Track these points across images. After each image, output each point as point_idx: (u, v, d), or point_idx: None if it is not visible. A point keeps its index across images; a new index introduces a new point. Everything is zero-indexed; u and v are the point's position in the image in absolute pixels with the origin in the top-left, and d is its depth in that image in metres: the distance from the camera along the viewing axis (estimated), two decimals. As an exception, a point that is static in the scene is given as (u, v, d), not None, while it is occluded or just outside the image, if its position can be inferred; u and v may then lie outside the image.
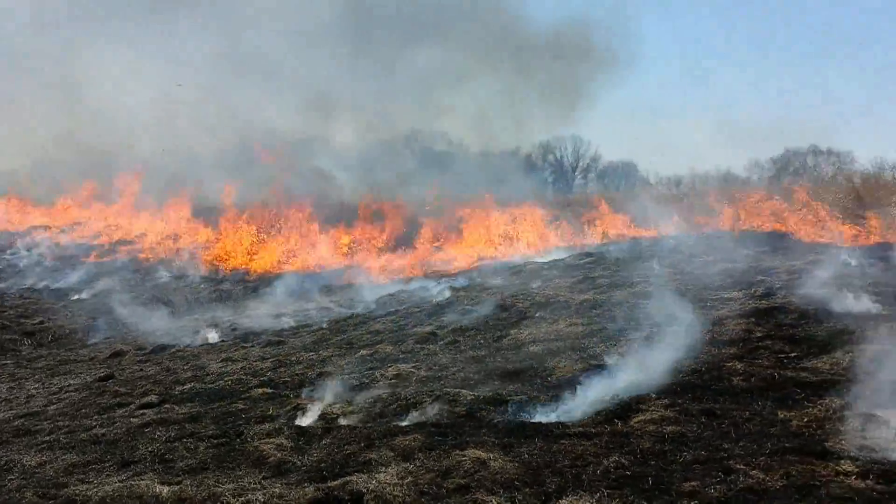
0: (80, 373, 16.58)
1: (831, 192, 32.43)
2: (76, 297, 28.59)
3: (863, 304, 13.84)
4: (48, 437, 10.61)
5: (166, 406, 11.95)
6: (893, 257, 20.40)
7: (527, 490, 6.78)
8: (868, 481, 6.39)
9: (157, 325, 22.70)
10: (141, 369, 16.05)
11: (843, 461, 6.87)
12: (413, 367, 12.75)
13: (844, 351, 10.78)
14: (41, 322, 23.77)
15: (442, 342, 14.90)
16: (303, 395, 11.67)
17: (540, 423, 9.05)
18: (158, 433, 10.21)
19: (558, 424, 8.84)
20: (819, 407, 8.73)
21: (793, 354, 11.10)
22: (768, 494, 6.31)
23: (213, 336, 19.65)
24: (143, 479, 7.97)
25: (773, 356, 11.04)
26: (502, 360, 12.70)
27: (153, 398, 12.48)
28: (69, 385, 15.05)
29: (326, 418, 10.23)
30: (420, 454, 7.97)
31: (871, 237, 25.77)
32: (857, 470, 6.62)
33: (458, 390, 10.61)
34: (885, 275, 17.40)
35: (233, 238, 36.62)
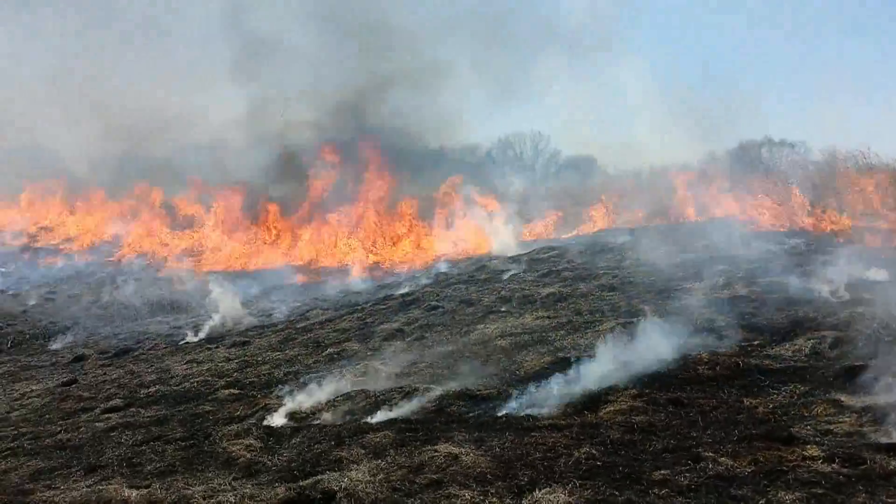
0: (43, 378, 16.33)
1: (785, 183, 32.86)
2: (34, 301, 28.10)
3: (821, 291, 14.06)
4: (12, 444, 10.43)
5: (132, 410, 11.82)
6: (848, 245, 20.76)
7: (499, 483, 6.79)
8: (833, 465, 6.49)
9: (120, 328, 22.45)
10: (104, 373, 15.84)
11: (808, 446, 6.97)
12: (381, 363, 12.72)
13: (806, 338, 10.94)
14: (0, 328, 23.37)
15: (409, 338, 14.87)
16: (270, 395, 11.59)
17: (510, 416, 9.09)
18: (125, 437, 10.08)
19: (528, 417, 8.88)
20: (784, 393, 8.87)
21: (756, 342, 11.25)
22: (737, 481, 6.39)
23: (190, 336, 19.45)
24: (110, 484, 7.87)
25: (736, 345, 11.18)
26: (470, 354, 12.70)
27: (118, 402, 12.33)
28: (31, 391, 14.81)
29: (295, 417, 10.18)
30: (391, 451, 7.94)
31: (827, 226, 26.19)
32: (822, 454, 6.72)
33: (427, 386, 10.60)
34: (840, 262, 17.67)
35: (195, 238, 36.35)
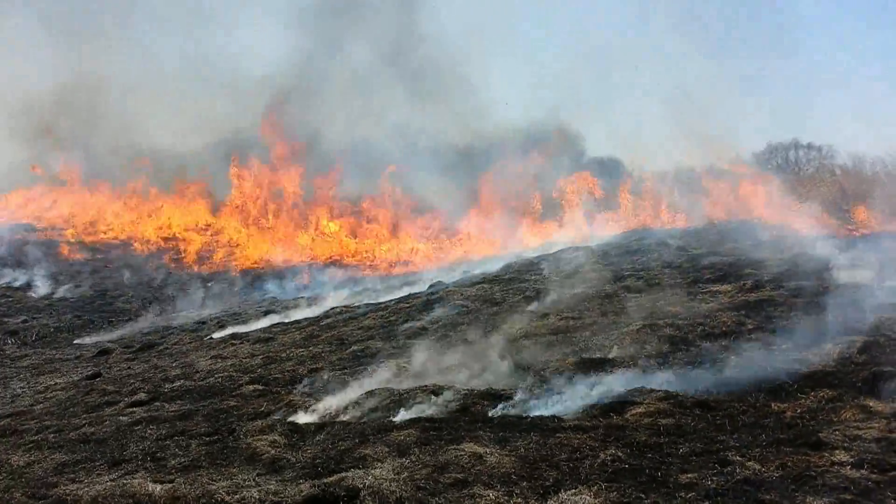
0: (67, 371, 16.48)
1: (814, 186, 32.60)
2: (60, 295, 28.36)
3: (850, 295, 13.87)
4: (35, 437, 10.53)
5: (156, 404, 11.88)
6: (880, 248, 20.46)
7: (524, 484, 6.75)
8: (862, 471, 6.41)
9: (145, 322, 22.64)
10: (129, 367, 15.96)
11: (836, 451, 6.89)
12: (405, 362, 12.70)
13: (834, 342, 10.79)
14: (24, 321, 23.60)
15: (433, 337, 14.84)
16: (295, 392, 11.61)
17: (535, 416, 9.03)
18: (149, 431, 10.14)
19: (553, 418, 8.82)
20: (812, 398, 8.75)
21: (784, 346, 11.11)
22: (765, 485, 6.31)
23: (219, 333, 19.56)
24: (135, 478, 7.90)
25: (764, 348, 11.05)
26: (495, 354, 12.64)
27: (142, 396, 12.40)
28: (55, 384, 14.95)
29: (319, 414, 10.19)
30: (415, 449, 7.93)
31: (857, 229, 25.90)
32: (850, 460, 6.64)
33: (451, 385, 10.57)
34: (869, 265, 17.42)
35: (231, 233, 36.77)
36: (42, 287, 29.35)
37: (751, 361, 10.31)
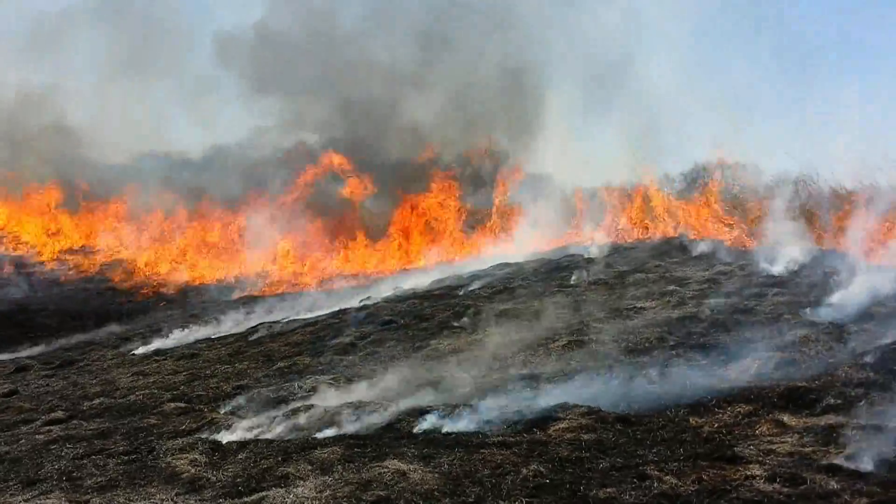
0: (-19, 389, 15.95)
1: (739, 204, 33.34)
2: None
3: (769, 312, 14.22)
4: (-53, 456, 10.17)
5: (74, 422, 11.59)
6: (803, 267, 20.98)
7: (447, 500, 6.78)
8: (775, 484, 6.58)
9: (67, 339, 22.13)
10: (47, 384, 15.54)
11: (751, 465, 7.06)
12: (332, 378, 12.64)
13: (752, 359, 11.07)
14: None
15: (361, 353, 14.79)
16: (218, 409, 11.45)
17: (460, 432, 9.06)
18: (66, 450, 9.88)
19: (477, 434, 8.87)
20: (728, 413, 8.95)
21: (703, 362, 11.35)
22: (682, 499, 6.44)
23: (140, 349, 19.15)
24: (49, 498, 7.72)
25: (685, 364, 11.27)
26: (422, 370, 12.68)
27: (60, 414, 12.09)
28: (-31, 402, 14.46)
29: (242, 432, 10.06)
30: (339, 466, 7.88)
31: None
32: (764, 474, 6.80)
33: (377, 401, 10.55)
34: (792, 283, 17.89)
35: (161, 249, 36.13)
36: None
37: (672, 377, 10.52)
